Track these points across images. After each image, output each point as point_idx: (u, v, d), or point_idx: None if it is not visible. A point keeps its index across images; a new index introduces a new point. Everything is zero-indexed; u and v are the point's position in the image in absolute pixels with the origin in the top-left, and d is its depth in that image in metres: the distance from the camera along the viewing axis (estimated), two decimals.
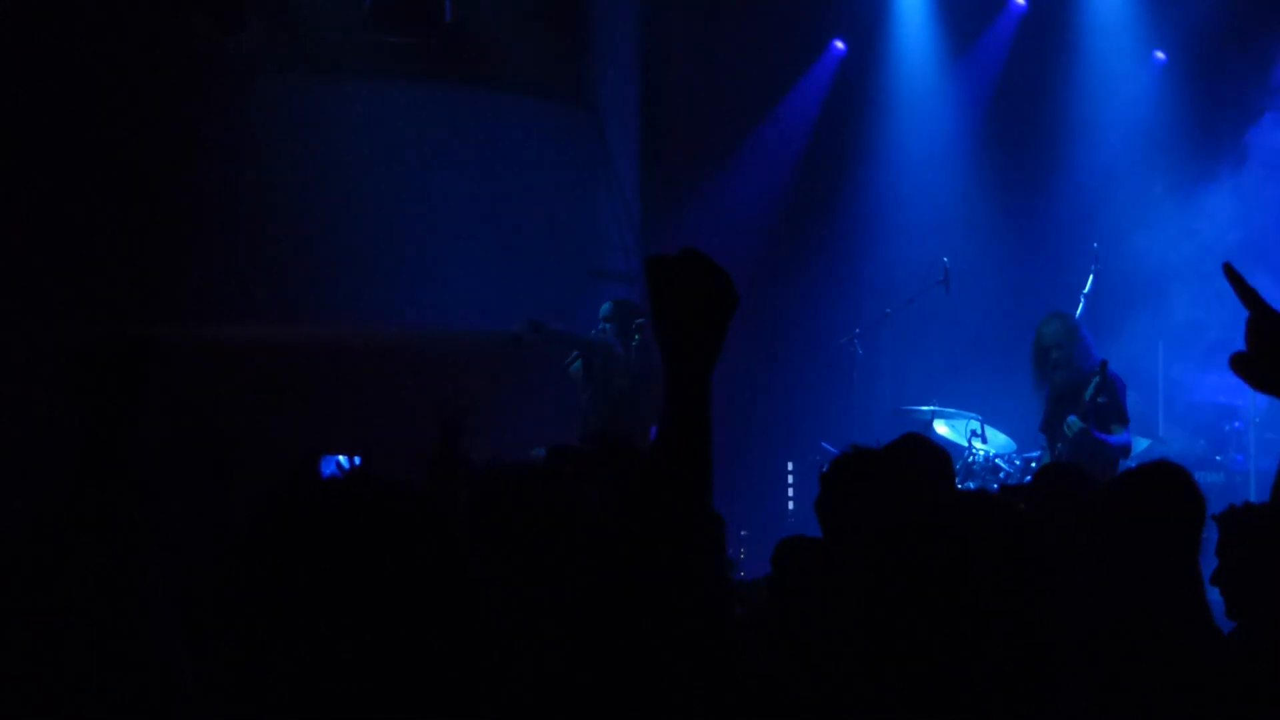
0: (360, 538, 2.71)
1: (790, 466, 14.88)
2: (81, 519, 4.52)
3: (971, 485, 11.91)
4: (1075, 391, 10.92)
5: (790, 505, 14.83)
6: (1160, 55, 15.03)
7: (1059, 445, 10.89)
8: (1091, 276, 12.82)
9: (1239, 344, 3.02)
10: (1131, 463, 10.74)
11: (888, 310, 13.32)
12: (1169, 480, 5.00)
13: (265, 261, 13.70)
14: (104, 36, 13.26)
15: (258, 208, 13.68)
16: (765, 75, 15.28)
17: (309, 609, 2.67)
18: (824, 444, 13.07)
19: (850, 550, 4.57)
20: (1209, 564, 5.17)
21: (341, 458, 10.86)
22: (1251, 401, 13.61)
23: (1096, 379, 10.77)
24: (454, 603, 2.65)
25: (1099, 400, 10.77)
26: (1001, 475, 12.33)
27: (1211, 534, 5.22)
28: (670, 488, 3.27)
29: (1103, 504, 5.17)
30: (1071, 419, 10.74)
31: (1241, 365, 2.99)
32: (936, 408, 13.06)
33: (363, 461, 10.75)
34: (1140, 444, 12.45)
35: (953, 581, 3.21)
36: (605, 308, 12.51)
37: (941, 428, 12.94)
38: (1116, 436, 10.85)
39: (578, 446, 7.12)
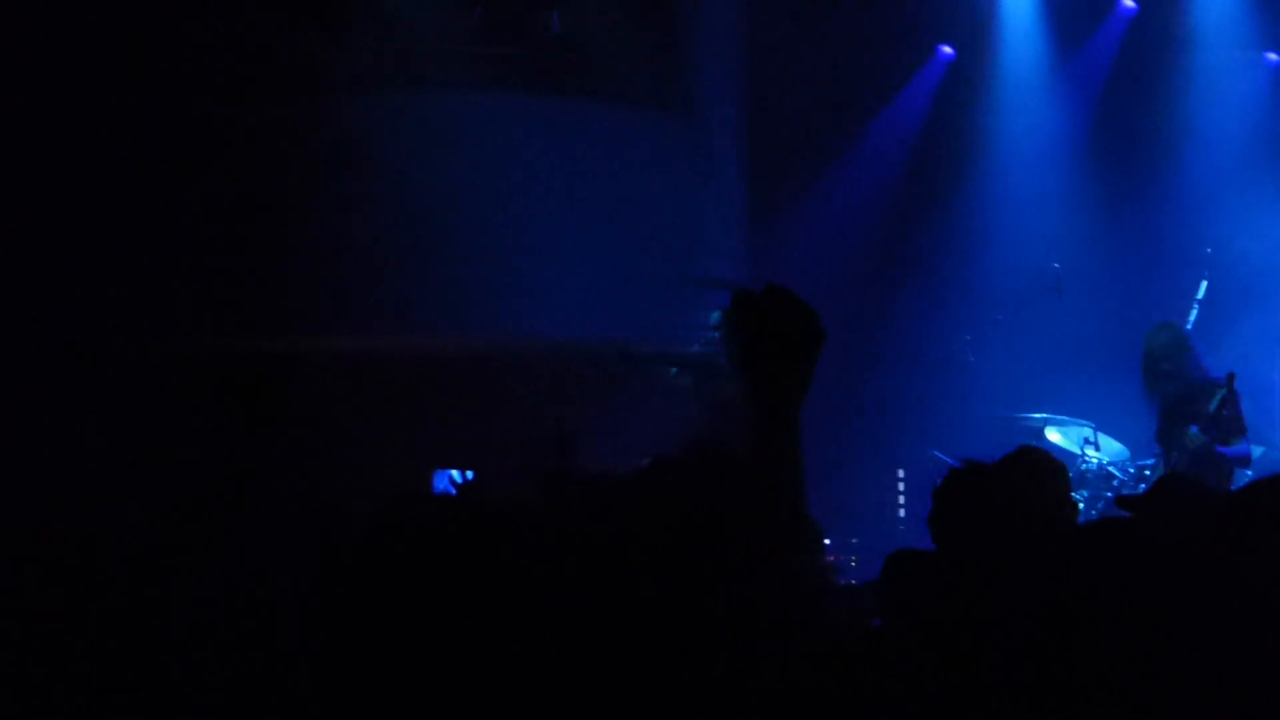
0: (471, 557, 2.78)
1: (901, 474, 14.80)
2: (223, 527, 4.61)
3: (1084, 494, 11.79)
4: (1190, 402, 10.85)
5: (901, 513, 14.75)
6: (1272, 56, 14.83)
7: (1174, 454, 10.75)
8: (1204, 282, 12.69)
9: None
10: (1249, 471, 10.65)
11: (999, 317, 13.22)
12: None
13: (372, 273, 13.80)
14: (216, 51, 13.43)
15: (365, 220, 13.77)
16: (871, 80, 15.21)
17: (414, 624, 2.74)
18: (935, 452, 12.97)
19: (966, 567, 4.53)
20: None
21: (454, 472, 10.87)
22: None
23: (1222, 391, 10.68)
24: (559, 623, 2.72)
25: (1224, 412, 10.68)
26: (1115, 483, 12.20)
27: None
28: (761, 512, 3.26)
29: (1226, 517, 5.08)
30: (1193, 430, 10.65)
31: None
32: (1048, 415, 12.92)
33: (475, 477, 10.75)
34: (1254, 451, 12.29)
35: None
36: (714, 316, 12.46)
37: (1054, 435, 12.80)
38: (1236, 448, 10.75)
39: (679, 456, 7.09)
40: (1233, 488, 9.70)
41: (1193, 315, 12.51)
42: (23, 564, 4.53)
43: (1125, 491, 12.09)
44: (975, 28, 15.24)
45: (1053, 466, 5.50)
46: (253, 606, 4.59)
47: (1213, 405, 10.67)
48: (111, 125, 13.12)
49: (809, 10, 14.76)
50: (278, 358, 11.25)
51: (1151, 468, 11.84)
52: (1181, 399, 10.97)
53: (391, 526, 3.96)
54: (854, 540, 13.09)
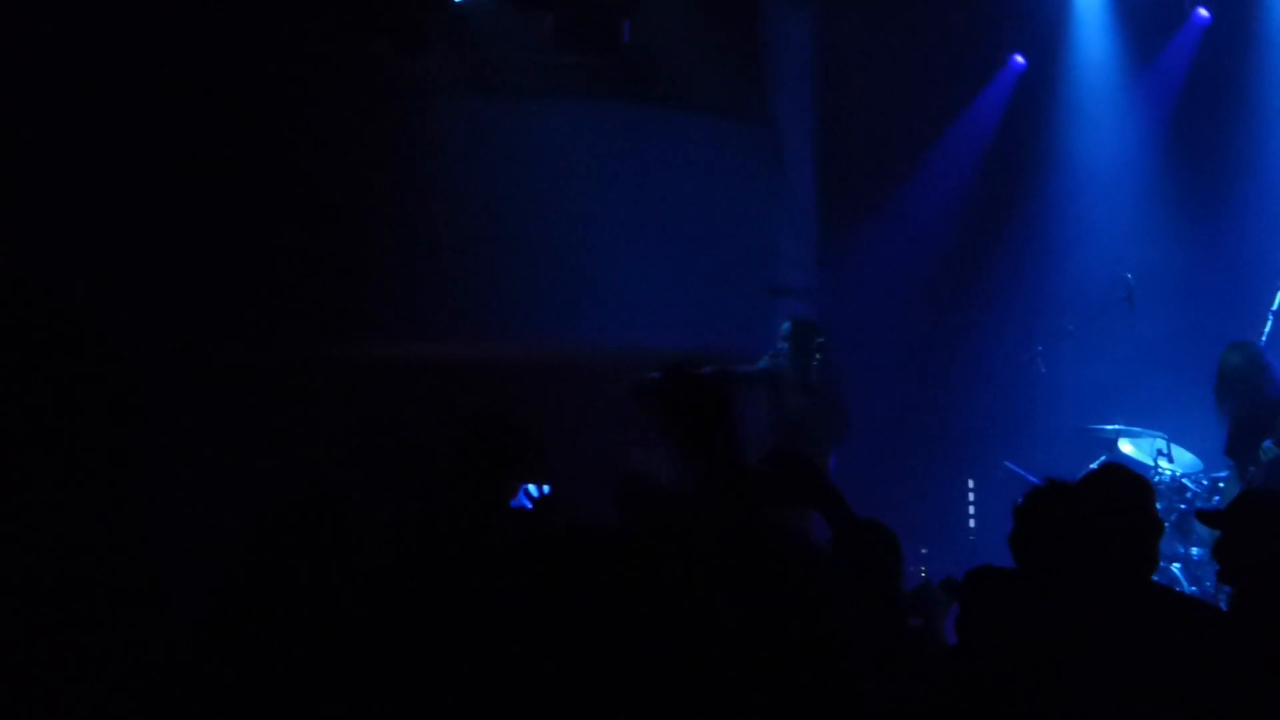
0: (545, 575, 2.73)
1: (971, 484, 14.71)
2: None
3: (1158, 506, 11.72)
4: (1264, 417, 10.79)
5: (971, 523, 14.68)
6: None
7: (1251, 469, 10.68)
8: None
9: None
10: None
11: (1070, 327, 13.16)
12: None
13: (445, 280, 13.82)
14: (288, 59, 13.50)
15: (437, 227, 13.82)
16: (943, 90, 15.15)
17: (486, 640, 2.71)
18: (1007, 463, 12.94)
19: (1050, 590, 4.50)
20: None
21: (531, 486, 10.85)
22: None
23: None
24: (635, 644, 2.72)
25: None
26: (1188, 495, 12.14)
27: None
28: None
29: None
30: (1268, 444, 10.58)
31: None
32: (1121, 426, 12.85)
33: (551, 491, 10.73)
34: None
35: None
36: (785, 327, 12.47)
37: (1126, 446, 12.73)
38: None
39: (753, 465, 7.07)
40: None
41: (1268, 327, 12.41)
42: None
43: (1199, 504, 12.04)
44: (1048, 37, 15.15)
45: (1138, 485, 5.42)
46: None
47: None
48: (195, 133, 13.20)
49: (882, 20, 14.72)
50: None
51: (1225, 480, 11.77)
52: (1255, 414, 10.91)
53: (463, 540, 3.98)
54: (924, 550, 13.05)
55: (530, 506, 10.85)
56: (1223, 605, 10.05)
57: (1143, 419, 13.00)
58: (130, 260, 12.75)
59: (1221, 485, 11.87)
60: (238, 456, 12.64)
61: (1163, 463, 12.25)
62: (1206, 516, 8.43)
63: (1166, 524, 11.30)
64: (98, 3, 12.52)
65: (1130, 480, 5.50)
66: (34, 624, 3.38)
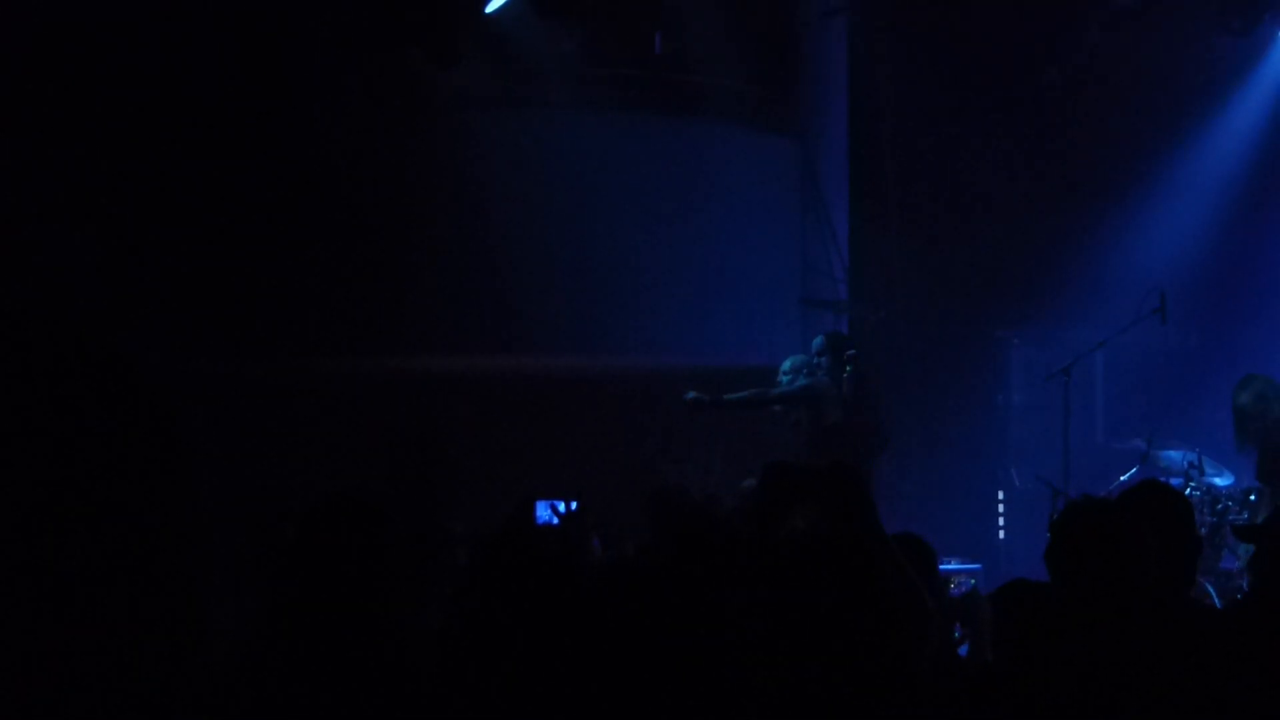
0: (566, 599, 2.68)
1: (1001, 496, 14.72)
2: None
3: None
4: None
5: (1001, 535, 14.67)
6: None
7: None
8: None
9: None
10: None
11: (1102, 339, 13.09)
12: None
13: (475, 293, 13.92)
14: (323, 72, 13.61)
15: (468, 239, 13.90)
16: (977, 100, 15.02)
17: (509, 660, 2.68)
18: (1038, 476, 12.90)
19: (1086, 605, 4.47)
20: None
21: (559, 503, 10.83)
22: None
23: None
24: (661, 669, 2.69)
25: None
26: (1219, 508, 12.08)
27: None
28: None
29: None
30: None
31: None
32: (1152, 439, 12.81)
33: (579, 508, 10.71)
34: None
35: None
36: (817, 341, 12.45)
37: (1158, 461, 12.69)
38: None
39: (793, 465, 7.09)
40: None
41: None
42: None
43: (1231, 518, 12.00)
44: (1083, 51, 15.06)
45: (1177, 501, 5.39)
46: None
47: None
48: (224, 144, 13.31)
49: (914, 31, 14.64)
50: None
51: (1258, 492, 11.73)
52: (1277, 443, 10.88)
53: (492, 558, 4.00)
54: (953, 562, 13.02)
55: (557, 522, 10.88)
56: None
57: (1174, 432, 12.94)
58: (169, 275, 12.81)
59: (1253, 499, 11.80)
60: (252, 463, 12.88)
61: (1195, 475, 12.20)
62: (1242, 532, 8.40)
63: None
64: (114, 12, 12.57)
65: (1171, 497, 5.46)
66: (79, 621, 3.43)
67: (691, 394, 12.23)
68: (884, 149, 14.93)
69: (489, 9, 13.92)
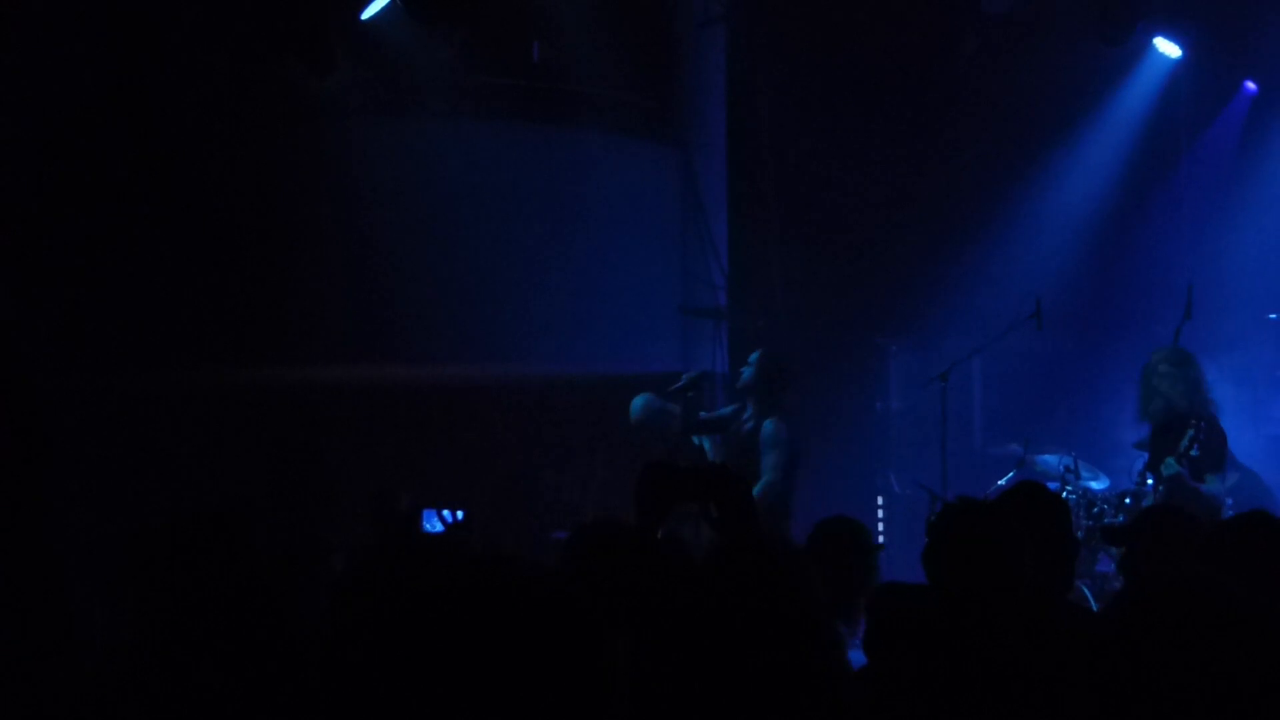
0: (455, 605, 2.71)
1: (880, 502, 14.79)
2: None
3: None
4: (1175, 430, 10.82)
5: (880, 539, 14.69)
6: (1251, 86, 14.83)
7: (1161, 488, 10.73)
8: (1186, 309, 12.70)
9: None
10: (1229, 501, 10.65)
11: (979, 345, 13.15)
12: (1269, 532, 4.91)
13: (352, 303, 13.82)
14: (194, 79, 13.39)
15: (347, 248, 13.82)
16: (855, 107, 15.08)
17: (391, 669, 2.75)
18: (916, 480, 12.97)
19: (964, 607, 4.47)
20: None
21: (446, 513, 10.77)
22: None
23: (1191, 430, 10.64)
24: (560, 669, 2.67)
25: (1191, 453, 10.61)
26: (1095, 510, 12.21)
27: None
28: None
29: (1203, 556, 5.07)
30: (1169, 461, 10.58)
31: None
32: (1030, 444, 12.93)
33: (465, 517, 10.64)
34: (1229, 480, 12.27)
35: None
36: (753, 356, 12.00)
37: (1035, 464, 12.81)
38: (1210, 486, 10.68)
39: (674, 465, 7.05)
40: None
41: (1174, 343, 12.44)
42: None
43: (1106, 520, 12.12)
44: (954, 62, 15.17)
45: (1054, 504, 5.40)
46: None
47: (1184, 443, 10.62)
48: (99, 154, 13.10)
49: (792, 42, 14.66)
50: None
51: (1133, 495, 11.84)
52: (1166, 425, 10.97)
53: (374, 568, 3.95)
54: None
55: (442, 530, 10.81)
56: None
57: (1050, 437, 13.09)
58: (35, 282, 12.63)
59: (1128, 502, 11.92)
60: (140, 477, 12.58)
61: (1071, 479, 12.33)
62: (1112, 533, 8.48)
63: None
64: None
65: (1048, 499, 5.49)
66: None
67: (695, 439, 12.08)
68: (763, 157, 14.96)
69: (365, 15, 13.80)
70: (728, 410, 12.04)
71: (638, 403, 12.63)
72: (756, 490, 11.15)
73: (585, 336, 14.11)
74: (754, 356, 11.92)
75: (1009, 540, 4.61)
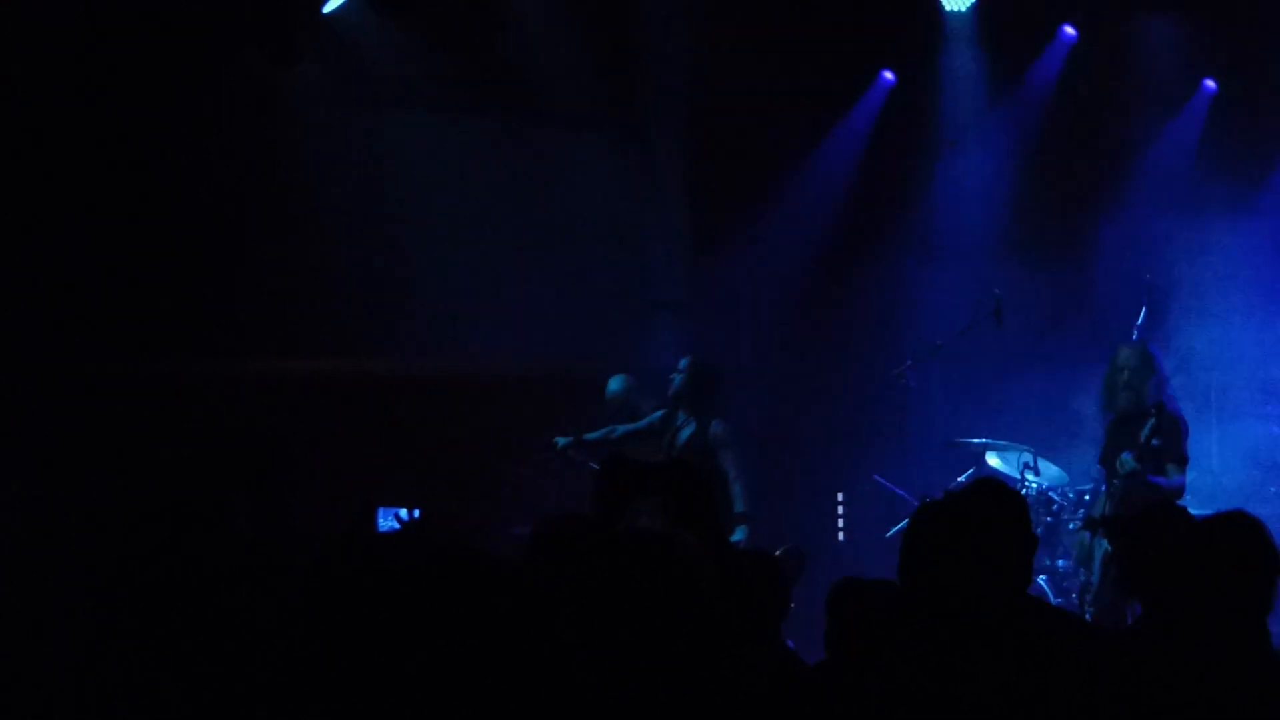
0: (413, 604, 2.76)
1: (840, 498, 14.77)
2: None
3: None
4: (1133, 425, 10.76)
5: (840, 536, 14.74)
6: (1211, 83, 14.83)
7: (1115, 481, 10.68)
8: (1144, 308, 12.71)
9: None
10: (1189, 498, 10.55)
11: (939, 342, 13.17)
12: (1244, 534, 4.89)
13: (316, 294, 13.81)
14: (155, 71, 13.33)
15: (309, 240, 13.81)
16: (815, 104, 15.11)
17: (349, 669, 2.79)
18: (876, 477, 12.99)
19: (921, 603, 4.44)
20: None
21: (402, 511, 10.72)
22: None
23: (1152, 420, 10.58)
24: (520, 666, 2.75)
25: (1153, 443, 10.55)
26: (1054, 508, 12.25)
27: None
28: None
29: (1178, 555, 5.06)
30: (1125, 457, 10.51)
31: None
32: (988, 440, 12.95)
33: (421, 515, 10.57)
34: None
35: None
36: (683, 362, 11.97)
37: (993, 460, 12.81)
38: (1170, 479, 10.61)
39: (633, 460, 7.06)
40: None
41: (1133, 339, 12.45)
42: None
43: (1065, 516, 12.16)
44: (919, 53, 15.16)
45: (1012, 499, 5.36)
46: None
47: (1144, 433, 10.57)
48: (57, 142, 13.06)
49: (755, 34, 14.64)
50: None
51: (1090, 492, 11.86)
52: (1126, 420, 10.89)
53: (330, 568, 3.94)
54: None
55: (398, 528, 10.73)
56: (1088, 616, 10.17)
57: (1009, 433, 13.09)
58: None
59: (1087, 498, 11.97)
60: (102, 465, 12.66)
61: (1029, 475, 12.34)
62: (1108, 525, 8.42)
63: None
64: None
65: (1005, 494, 5.45)
66: None
67: (560, 440, 12.14)
68: (722, 150, 14.91)
69: (327, 9, 13.81)
70: (656, 416, 12.02)
71: (617, 380, 12.73)
72: (741, 506, 11.25)
73: (544, 329, 14.08)
74: (684, 363, 11.91)
75: (968, 537, 4.59)
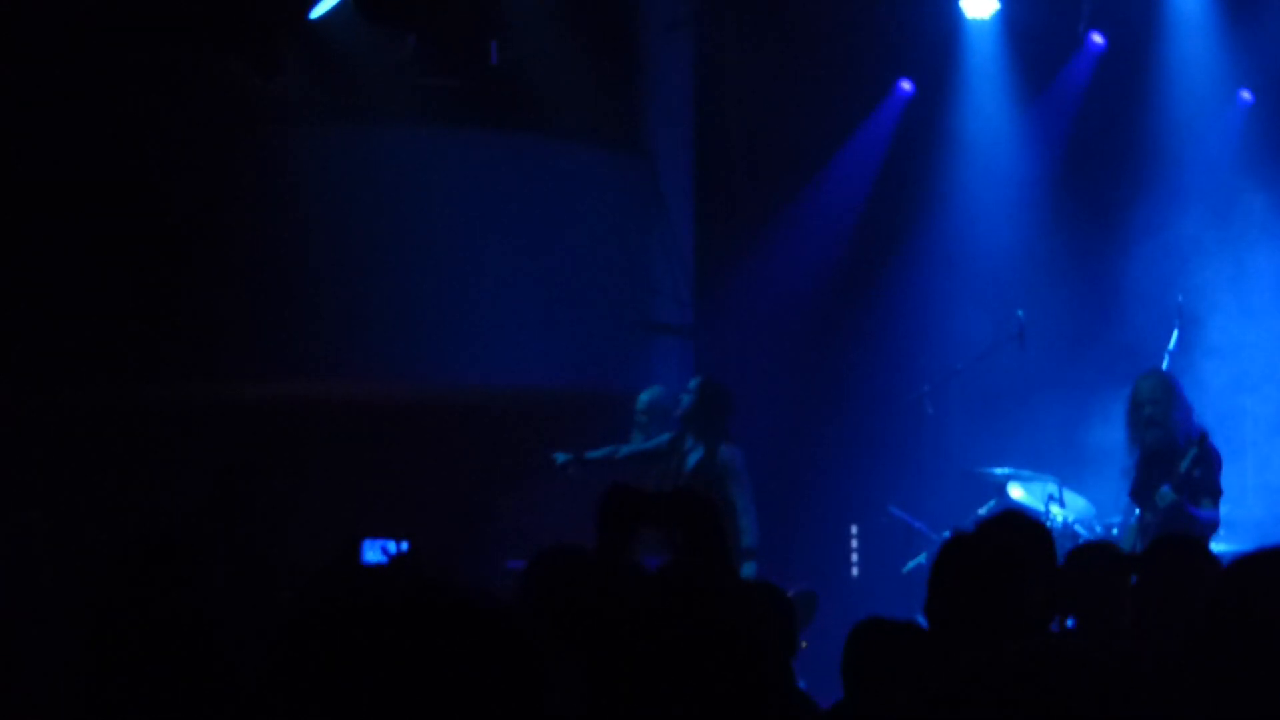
0: (401, 644, 2.64)
1: (854, 530, 14.58)
2: None
3: None
4: (1168, 457, 10.55)
5: (854, 571, 14.55)
6: (1246, 95, 14.45)
7: (1148, 515, 10.46)
8: (1176, 332, 12.43)
9: None
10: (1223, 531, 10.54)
11: (958, 366, 13.00)
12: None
13: (304, 315, 13.45)
14: (139, 82, 13.13)
15: (297, 257, 13.44)
16: (828, 117, 14.91)
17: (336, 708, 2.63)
18: (891, 508, 12.66)
19: (945, 642, 4.14)
20: None
21: (389, 543, 10.60)
22: None
23: (1194, 450, 10.42)
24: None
25: (1194, 474, 10.39)
26: (1080, 541, 11.82)
27: None
28: None
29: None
30: (1165, 489, 10.34)
31: None
32: (1011, 470, 12.64)
33: (410, 548, 10.43)
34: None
35: None
36: (692, 382, 11.96)
37: (1016, 491, 12.50)
38: (1207, 511, 10.43)
39: (636, 489, 6.74)
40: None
41: (1164, 366, 12.16)
42: None
43: None
44: (937, 62, 14.87)
45: (1039, 533, 5.22)
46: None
47: (1184, 465, 10.39)
48: (42, 158, 12.88)
49: (763, 46, 14.57)
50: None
51: (1120, 525, 11.48)
52: (1159, 453, 10.67)
53: (310, 607, 3.73)
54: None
55: (385, 562, 10.42)
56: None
57: (1033, 462, 12.79)
58: None
59: (1115, 531, 11.58)
60: (92, 494, 12.58)
61: (1054, 508, 11.99)
62: (1118, 561, 8.10)
63: None
64: None
65: (1031, 528, 5.28)
66: None
67: (560, 456, 12.01)
68: (731, 166, 14.74)
69: (313, 15, 13.53)
70: (664, 439, 11.91)
71: (653, 391, 12.57)
72: (749, 540, 11.10)
73: (541, 352, 13.84)
74: (693, 383, 11.89)
75: (1014, 574, 4.60)
